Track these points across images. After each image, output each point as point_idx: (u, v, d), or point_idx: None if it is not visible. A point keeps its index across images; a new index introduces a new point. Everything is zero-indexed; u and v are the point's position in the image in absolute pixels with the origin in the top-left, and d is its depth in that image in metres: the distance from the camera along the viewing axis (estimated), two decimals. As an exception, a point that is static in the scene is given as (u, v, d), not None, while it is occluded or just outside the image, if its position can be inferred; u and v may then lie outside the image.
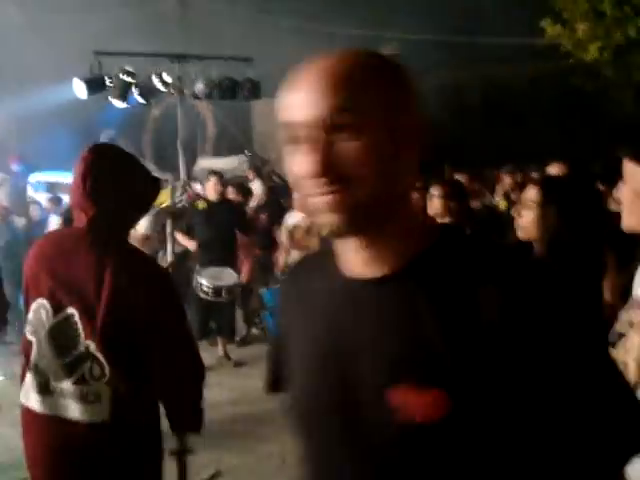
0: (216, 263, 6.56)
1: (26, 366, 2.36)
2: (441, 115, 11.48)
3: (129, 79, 7.41)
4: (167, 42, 11.01)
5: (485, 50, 11.73)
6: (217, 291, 6.35)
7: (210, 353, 7.14)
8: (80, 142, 13.74)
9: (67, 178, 12.78)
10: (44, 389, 2.28)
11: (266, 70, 9.00)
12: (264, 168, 11.49)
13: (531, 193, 2.47)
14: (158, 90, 7.58)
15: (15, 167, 13.06)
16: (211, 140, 15.07)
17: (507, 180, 5.82)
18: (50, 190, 11.07)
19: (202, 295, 6.44)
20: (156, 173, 11.32)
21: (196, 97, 8.01)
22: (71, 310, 2.25)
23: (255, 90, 8.15)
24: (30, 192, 12.13)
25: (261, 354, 7.24)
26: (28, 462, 2.36)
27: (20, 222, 8.73)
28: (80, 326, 2.24)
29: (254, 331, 8.07)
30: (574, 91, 10.03)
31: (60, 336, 2.27)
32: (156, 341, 2.28)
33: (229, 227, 6.82)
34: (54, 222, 8.24)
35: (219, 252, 6.63)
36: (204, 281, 6.36)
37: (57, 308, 2.27)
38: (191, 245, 6.80)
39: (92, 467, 2.27)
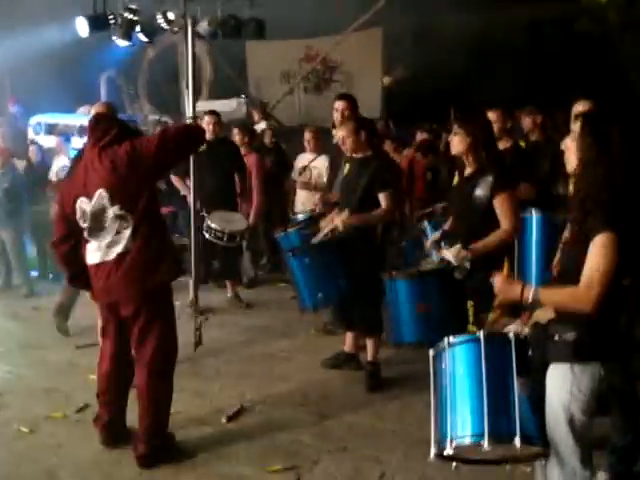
0: (218, 203, 6.51)
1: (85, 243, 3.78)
2: (440, 59, 11.37)
3: (133, 17, 7.26)
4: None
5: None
6: (232, 236, 6.34)
7: (217, 294, 7.24)
8: (79, 84, 13.56)
9: (67, 119, 12.65)
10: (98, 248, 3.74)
11: (268, 11, 8.86)
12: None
13: (576, 126, 2.49)
14: (162, 29, 7.41)
15: (13, 108, 12.87)
16: (208, 83, 14.86)
17: (527, 120, 5.82)
18: (51, 132, 10.94)
19: (214, 240, 6.38)
20: (153, 114, 11.33)
21: (200, 37, 7.83)
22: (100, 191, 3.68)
23: (260, 30, 8.01)
24: (30, 134, 11.99)
25: (270, 296, 7.36)
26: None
27: (21, 165, 8.66)
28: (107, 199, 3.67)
29: (260, 273, 8.15)
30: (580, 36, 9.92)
31: (97, 211, 3.69)
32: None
33: (227, 166, 6.78)
34: (61, 163, 8.18)
35: (219, 192, 6.58)
36: (216, 226, 6.31)
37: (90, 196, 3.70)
38: (185, 190, 6.73)
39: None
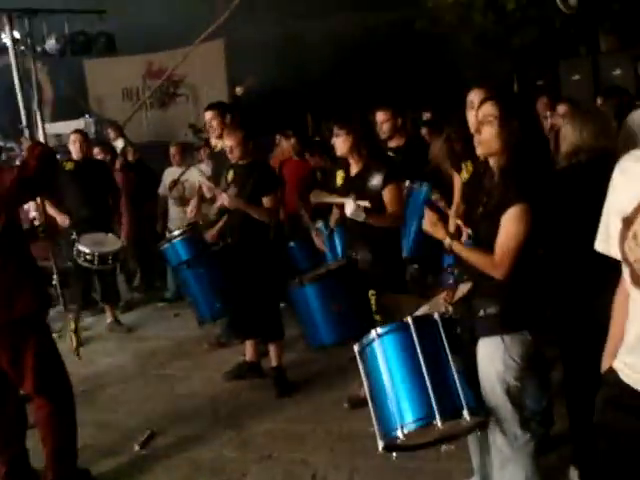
0: (89, 225, 6.24)
1: None
2: (295, 65, 11.57)
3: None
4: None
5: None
6: (103, 258, 6.07)
7: (98, 320, 6.92)
8: None
9: None
10: None
11: (118, 25, 8.58)
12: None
13: (488, 109, 2.63)
14: (5, 47, 6.98)
15: None
16: (49, 104, 14.13)
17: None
18: None
19: (86, 264, 6.09)
20: (-1, 142, 10.47)
21: (47, 54, 7.47)
22: None
23: (110, 44, 7.75)
24: None
25: (151, 316, 7.13)
26: None
27: None
28: None
29: (135, 294, 7.87)
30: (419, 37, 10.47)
31: None
32: None
33: (99, 187, 6.51)
34: None
35: (91, 212, 6.31)
36: (87, 249, 6.03)
37: None
38: (62, 219, 6.40)
39: None
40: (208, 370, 5.35)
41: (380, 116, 5.09)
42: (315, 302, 4.02)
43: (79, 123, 12.20)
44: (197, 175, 6.74)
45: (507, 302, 2.69)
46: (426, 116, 7.65)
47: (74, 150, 6.40)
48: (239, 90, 13.22)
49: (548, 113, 5.94)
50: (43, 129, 10.03)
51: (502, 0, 9.40)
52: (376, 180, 4.05)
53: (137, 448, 4.12)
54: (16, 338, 3.48)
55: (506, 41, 9.71)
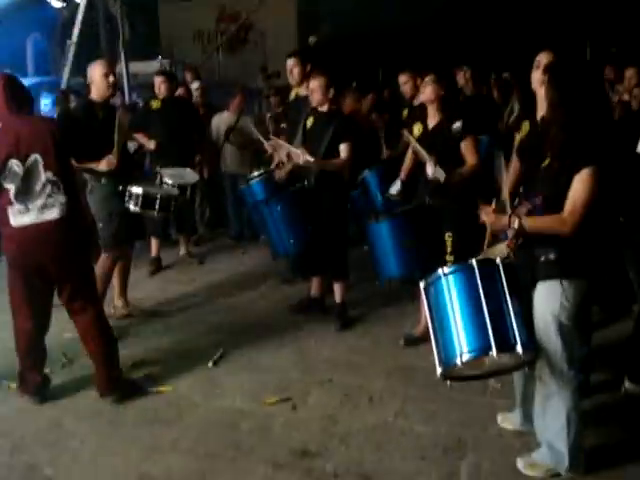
0: (174, 161, 6.60)
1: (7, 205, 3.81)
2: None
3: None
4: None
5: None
6: (183, 189, 6.45)
7: (167, 252, 7.34)
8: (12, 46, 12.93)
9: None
10: (27, 210, 3.82)
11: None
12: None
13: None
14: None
15: None
16: (125, 44, 14.51)
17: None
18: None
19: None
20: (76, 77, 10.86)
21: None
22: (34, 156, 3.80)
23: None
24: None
25: (217, 252, 7.53)
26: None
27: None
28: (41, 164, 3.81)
29: (203, 230, 8.28)
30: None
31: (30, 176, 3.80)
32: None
33: (184, 124, 6.88)
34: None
35: (176, 150, 6.65)
36: (168, 180, 6.40)
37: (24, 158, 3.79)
38: (150, 144, 6.79)
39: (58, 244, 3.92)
40: (274, 302, 5.75)
41: (402, 78, 6.02)
42: (388, 237, 4.45)
43: (154, 64, 12.64)
44: (250, 124, 7.24)
45: (567, 250, 2.95)
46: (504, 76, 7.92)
47: (162, 90, 6.76)
48: (312, 40, 13.42)
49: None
50: (127, 69, 10.49)
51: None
52: (457, 125, 4.35)
53: (210, 365, 4.55)
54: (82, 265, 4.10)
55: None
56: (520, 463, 3.27)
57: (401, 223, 4.52)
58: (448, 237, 4.33)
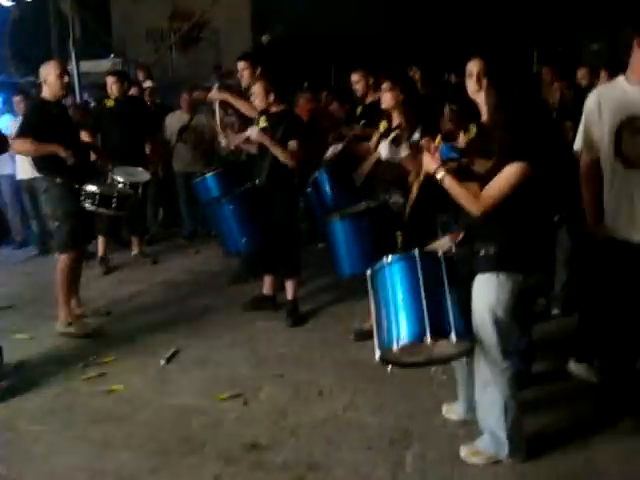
0: (127, 160, 6.57)
1: None
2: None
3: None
4: None
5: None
6: (135, 188, 6.45)
7: (120, 252, 7.33)
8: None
9: None
10: None
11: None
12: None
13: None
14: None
15: None
16: (76, 42, 14.32)
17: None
18: None
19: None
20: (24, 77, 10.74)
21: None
22: None
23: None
24: None
25: (170, 252, 7.56)
26: None
27: None
28: None
29: (154, 230, 8.28)
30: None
31: None
32: None
33: (138, 124, 6.89)
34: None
35: (130, 149, 6.65)
36: (119, 178, 6.40)
37: None
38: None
39: None
40: (226, 301, 5.80)
41: (354, 77, 6.05)
42: (350, 235, 4.56)
43: (106, 63, 12.51)
44: (204, 120, 7.48)
45: (505, 245, 3.08)
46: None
47: (114, 90, 6.75)
48: (265, 39, 13.44)
49: None
50: (78, 68, 10.37)
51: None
52: (416, 136, 4.43)
53: (163, 362, 4.59)
54: None
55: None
56: (463, 451, 3.39)
57: (363, 221, 4.60)
58: (398, 235, 4.43)
